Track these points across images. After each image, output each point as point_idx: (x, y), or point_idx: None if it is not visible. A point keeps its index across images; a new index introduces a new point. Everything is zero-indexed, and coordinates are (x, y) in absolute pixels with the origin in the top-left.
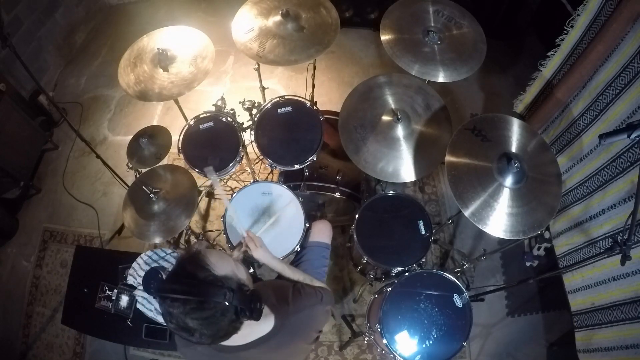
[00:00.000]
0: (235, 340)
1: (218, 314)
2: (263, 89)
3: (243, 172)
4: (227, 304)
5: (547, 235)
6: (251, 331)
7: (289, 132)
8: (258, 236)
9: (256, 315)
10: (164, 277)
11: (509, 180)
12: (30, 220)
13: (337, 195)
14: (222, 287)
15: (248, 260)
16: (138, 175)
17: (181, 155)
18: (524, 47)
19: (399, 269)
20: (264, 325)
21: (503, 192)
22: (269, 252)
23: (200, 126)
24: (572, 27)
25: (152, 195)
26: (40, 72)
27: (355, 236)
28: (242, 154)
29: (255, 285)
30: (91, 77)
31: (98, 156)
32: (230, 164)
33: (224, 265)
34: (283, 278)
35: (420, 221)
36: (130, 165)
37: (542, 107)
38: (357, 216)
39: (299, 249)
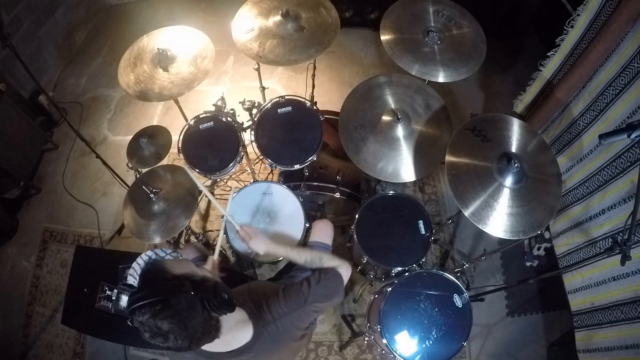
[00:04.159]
0: (219, 347)
1: (184, 309)
2: (263, 89)
3: (243, 172)
4: (191, 294)
5: (547, 235)
6: (232, 338)
7: (289, 132)
8: (252, 227)
9: (226, 306)
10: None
11: (509, 180)
12: (30, 220)
13: (337, 195)
14: (182, 282)
15: (247, 261)
16: (138, 175)
17: (181, 155)
18: (524, 47)
19: (399, 269)
20: (244, 334)
21: (503, 192)
22: (267, 239)
23: (200, 126)
24: (572, 27)
25: (152, 196)
26: (40, 72)
27: (355, 236)
28: (242, 154)
29: (240, 288)
30: (91, 77)
31: (98, 156)
32: (230, 164)
33: (182, 266)
34: (289, 272)
35: (420, 221)
36: (130, 165)
37: (542, 107)
38: (357, 216)
39: None
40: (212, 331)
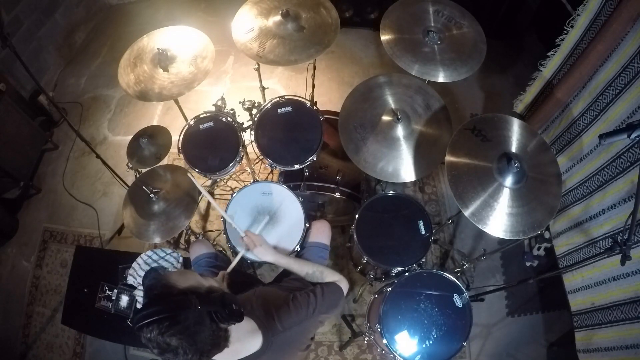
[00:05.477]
0: (226, 355)
1: (192, 324)
2: (263, 89)
3: (243, 172)
4: (198, 309)
5: (547, 235)
6: (241, 347)
7: (289, 132)
8: (257, 234)
9: (235, 317)
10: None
11: (509, 180)
12: (30, 220)
13: (337, 195)
14: (188, 296)
15: (246, 262)
16: (138, 175)
17: (181, 155)
18: (524, 47)
19: (399, 269)
20: (253, 343)
21: (503, 192)
22: (271, 248)
23: (200, 126)
24: (572, 27)
25: (152, 196)
26: (40, 72)
27: (355, 236)
28: (242, 154)
29: (246, 295)
30: (91, 77)
31: (98, 156)
32: (230, 164)
33: (187, 279)
34: (290, 275)
35: (420, 221)
36: (130, 165)
37: (542, 107)
38: (357, 216)
39: (299, 249)
40: (222, 342)
